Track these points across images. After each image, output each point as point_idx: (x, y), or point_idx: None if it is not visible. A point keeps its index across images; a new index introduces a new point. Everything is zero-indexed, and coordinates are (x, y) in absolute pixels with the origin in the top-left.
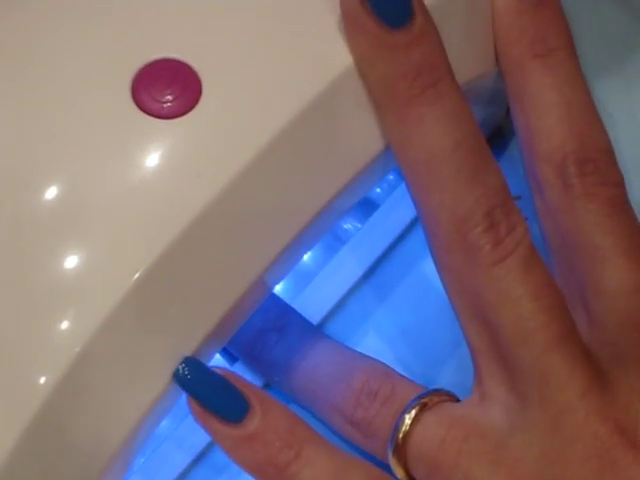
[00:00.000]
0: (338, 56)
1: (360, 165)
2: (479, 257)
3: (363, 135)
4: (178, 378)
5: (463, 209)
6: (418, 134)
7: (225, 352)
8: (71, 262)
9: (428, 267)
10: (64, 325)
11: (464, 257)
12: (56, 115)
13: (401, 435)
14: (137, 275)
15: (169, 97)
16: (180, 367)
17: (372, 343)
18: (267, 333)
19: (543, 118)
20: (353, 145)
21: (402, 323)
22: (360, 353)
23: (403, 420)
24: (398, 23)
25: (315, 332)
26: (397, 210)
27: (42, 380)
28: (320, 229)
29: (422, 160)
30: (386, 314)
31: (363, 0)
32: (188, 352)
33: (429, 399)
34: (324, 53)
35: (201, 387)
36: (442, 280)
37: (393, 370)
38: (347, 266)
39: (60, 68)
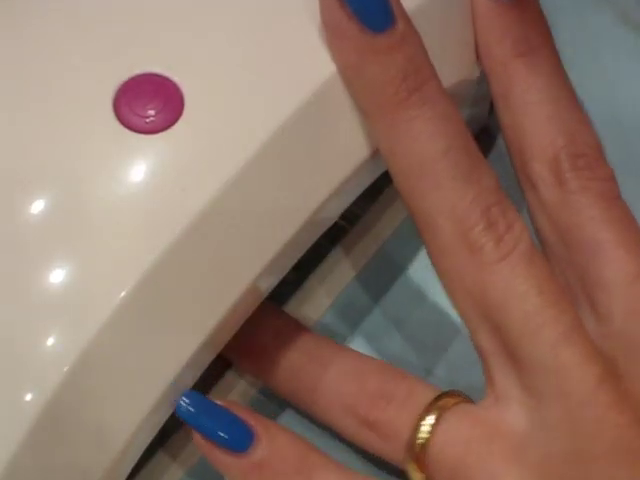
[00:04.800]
0: (320, 66)
1: (345, 173)
2: (481, 256)
3: (347, 143)
4: (181, 412)
5: (460, 210)
6: (408, 138)
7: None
8: (56, 280)
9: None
10: (52, 343)
11: (465, 257)
12: (37, 131)
13: (422, 436)
14: (124, 293)
15: (151, 112)
16: (182, 401)
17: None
18: (264, 338)
19: (531, 116)
20: (338, 154)
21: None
22: (371, 357)
23: (423, 421)
24: (380, 28)
25: (318, 337)
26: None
27: (30, 398)
28: (307, 238)
29: (414, 164)
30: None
31: (344, 6)
32: (179, 367)
33: (446, 401)
34: (306, 63)
35: (205, 420)
36: (444, 285)
37: (407, 372)
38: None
39: (41, 84)
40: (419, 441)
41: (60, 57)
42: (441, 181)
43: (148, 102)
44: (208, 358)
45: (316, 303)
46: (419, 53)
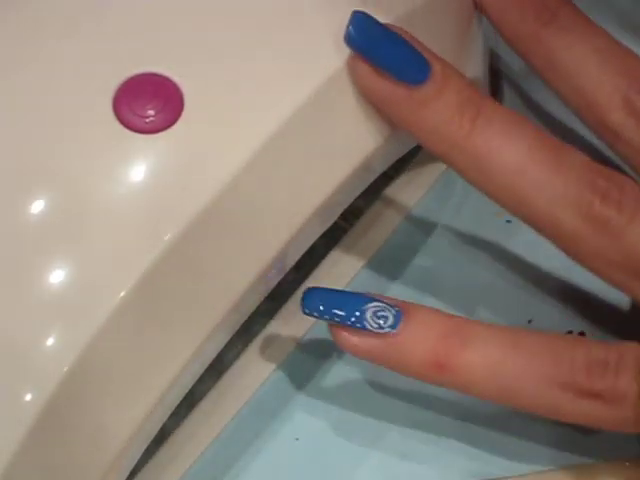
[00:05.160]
0: (319, 65)
1: (345, 173)
2: (611, 227)
3: (346, 142)
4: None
5: (571, 196)
6: (493, 159)
7: None
8: (55, 281)
9: None
10: (51, 343)
11: (597, 235)
12: (37, 131)
13: None
14: (123, 293)
15: (151, 112)
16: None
17: None
18: None
19: (584, 74)
20: (338, 152)
21: None
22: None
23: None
24: (422, 79)
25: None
26: None
27: (30, 399)
28: (311, 233)
29: (509, 179)
30: None
31: (384, 75)
32: (180, 366)
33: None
34: (305, 63)
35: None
36: (590, 268)
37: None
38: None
39: (41, 84)
40: None
41: (60, 57)
42: (539, 181)
43: (148, 102)
44: (210, 355)
45: None
46: (461, 81)
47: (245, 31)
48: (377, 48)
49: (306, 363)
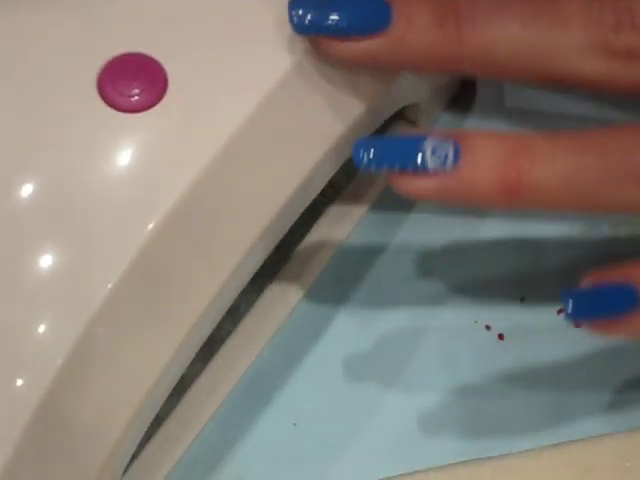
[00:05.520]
0: (291, 49)
1: (329, 141)
2: (637, 52)
3: (331, 109)
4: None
5: (586, 43)
6: (495, 50)
7: None
8: (42, 273)
9: None
10: (44, 337)
11: (629, 65)
12: (22, 112)
13: None
14: (115, 280)
15: (135, 91)
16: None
17: None
18: None
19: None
20: (321, 125)
21: None
22: None
23: None
24: (387, 22)
25: None
26: None
27: (26, 393)
28: (295, 207)
29: (518, 57)
30: None
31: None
32: (171, 351)
33: None
34: (285, 41)
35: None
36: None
37: None
38: None
39: (25, 65)
40: None
41: (44, 37)
42: (548, 44)
43: (132, 81)
44: (199, 342)
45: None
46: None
47: (227, 13)
48: (327, 21)
49: (298, 345)
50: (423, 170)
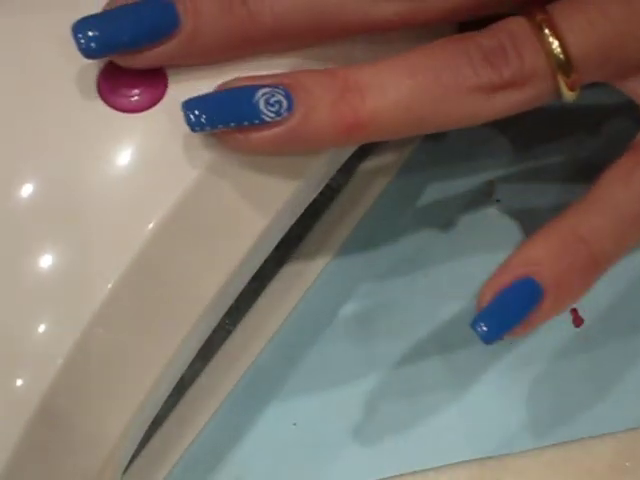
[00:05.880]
0: None
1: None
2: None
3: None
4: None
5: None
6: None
7: None
8: (41, 273)
9: None
10: (44, 337)
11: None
12: (22, 112)
13: (556, 50)
14: (116, 279)
15: (135, 91)
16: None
17: None
18: None
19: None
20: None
21: None
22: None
23: (547, 38)
24: (175, 23)
25: None
26: None
27: (26, 393)
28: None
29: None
30: None
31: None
32: (171, 351)
33: (540, 15)
34: None
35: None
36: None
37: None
38: None
39: (25, 65)
40: (558, 55)
41: (44, 38)
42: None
43: (132, 81)
44: (200, 342)
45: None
46: None
47: None
48: (115, 39)
49: (298, 345)
50: (260, 123)
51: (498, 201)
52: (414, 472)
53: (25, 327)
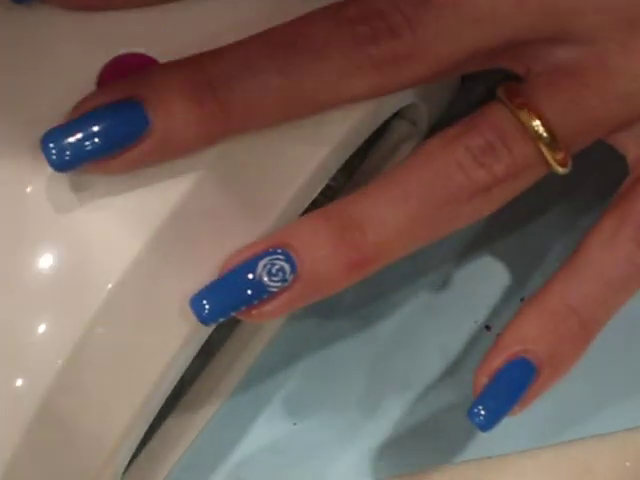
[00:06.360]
0: None
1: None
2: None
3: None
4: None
5: (349, 65)
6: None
7: None
8: (41, 276)
9: None
10: (44, 338)
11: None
12: (20, 114)
13: (541, 129)
14: (110, 285)
15: None
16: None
17: None
18: None
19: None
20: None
21: None
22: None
23: (529, 122)
24: (143, 124)
25: None
26: None
27: (26, 394)
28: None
29: None
30: None
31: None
32: (172, 352)
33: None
34: None
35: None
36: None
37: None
38: None
39: (24, 66)
40: (543, 135)
41: (42, 40)
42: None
43: None
44: (200, 342)
45: None
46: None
47: (225, 13)
48: (83, 150)
49: (298, 346)
50: (268, 295)
51: None
52: (414, 472)
53: (25, 327)
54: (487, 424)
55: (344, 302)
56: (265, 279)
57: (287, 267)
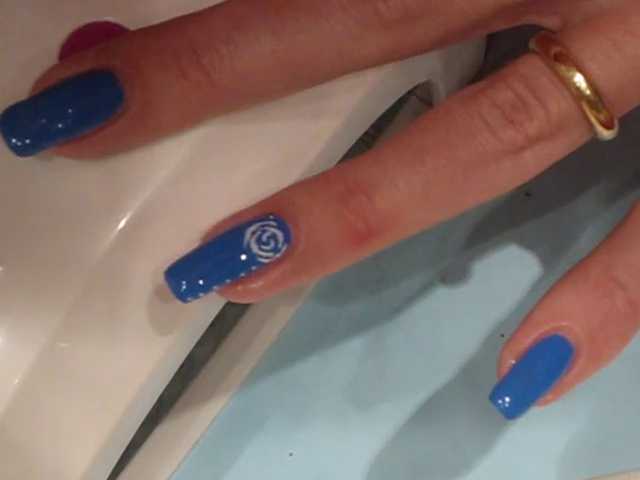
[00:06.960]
0: None
1: None
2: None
3: None
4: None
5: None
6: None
7: None
8: None
9: None
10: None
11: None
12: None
13: (583, 85)
14: (74, 294)
15: None
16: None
17: None
18: None
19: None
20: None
21: None
22: None
23: (568, 74)
24: (119, 100)
25: None
26: None
27: None
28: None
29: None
30: None
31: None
32: (147, 371)
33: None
34: None
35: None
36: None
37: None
38: None
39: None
40: (585, 92)
41: (2, 7)
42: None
43: None
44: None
45: None
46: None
47: None
48: (54, 127)
49: (299, 347)
50: (257, 268)
51: (528, 195)
52: None
53: None
54: (512, 411)
55: (345, 304)
56: (254, 247)
57: (280, 235)
